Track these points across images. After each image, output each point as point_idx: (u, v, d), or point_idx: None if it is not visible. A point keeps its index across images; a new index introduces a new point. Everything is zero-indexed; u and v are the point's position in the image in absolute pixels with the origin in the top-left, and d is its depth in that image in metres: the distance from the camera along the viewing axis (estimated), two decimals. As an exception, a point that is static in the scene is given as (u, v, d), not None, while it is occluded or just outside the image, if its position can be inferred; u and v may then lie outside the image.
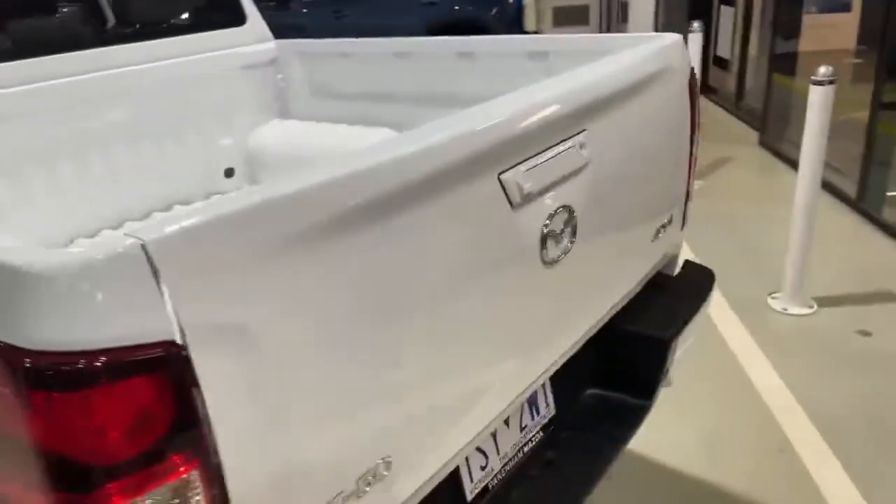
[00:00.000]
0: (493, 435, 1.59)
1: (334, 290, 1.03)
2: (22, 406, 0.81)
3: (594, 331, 1.71)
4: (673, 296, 2.06)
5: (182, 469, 0.87)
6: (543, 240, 1.39)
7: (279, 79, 2.86)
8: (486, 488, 1.58)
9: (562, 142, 1.43)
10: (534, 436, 1.73)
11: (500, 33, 7.23)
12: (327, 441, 1.06)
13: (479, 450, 1.56)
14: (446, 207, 1.19)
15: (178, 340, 0.83)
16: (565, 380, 1.77)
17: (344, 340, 1.05)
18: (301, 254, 0.97)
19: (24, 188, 2.25)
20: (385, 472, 1.15)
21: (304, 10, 8.83)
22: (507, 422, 1.63)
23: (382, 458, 1.14)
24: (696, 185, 2.14)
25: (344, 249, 1.03)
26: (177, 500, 0.87)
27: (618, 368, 1.94)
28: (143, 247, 0.81)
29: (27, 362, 0.79)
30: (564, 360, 1.62)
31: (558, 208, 1.42)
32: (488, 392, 1.38)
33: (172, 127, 2.61)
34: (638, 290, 1.90)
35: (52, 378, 0.79)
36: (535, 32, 8.54)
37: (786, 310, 3.62)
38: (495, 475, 1.61)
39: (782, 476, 2.55)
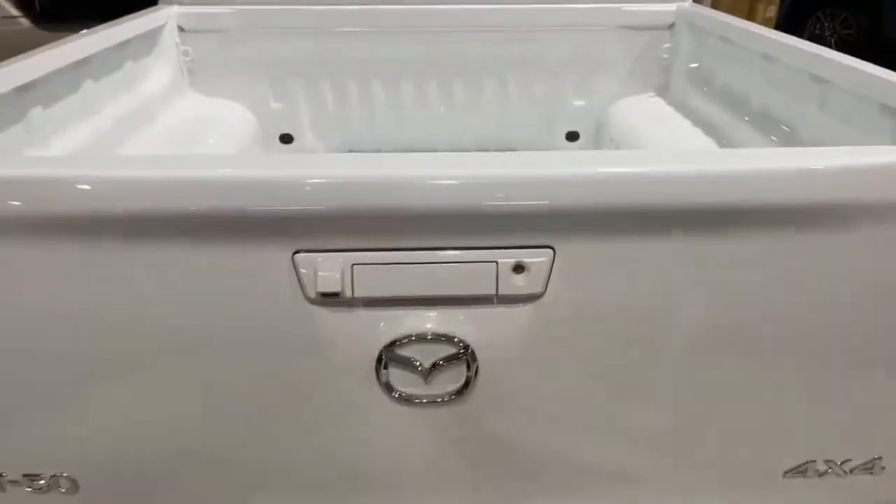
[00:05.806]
0: None
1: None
2: None
3: None
4: None
5: None
6: (383, 363, 1.08)
7: (665, 48, 2.44)
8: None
9: (461, 249, 1.02)
10: None
11: None
12: None
13: None
14: (221, 259, 1.02)
15: None
16: None
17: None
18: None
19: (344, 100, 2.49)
20: None
21: None
22: None
23: None
24: None
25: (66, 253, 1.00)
26: None
27: None
28: None
29: None
30: None
31: (428, 335, 1.07)
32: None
33: (524, 73, 2.46)
34: None
35: None
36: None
37: None
38: None
39: None
